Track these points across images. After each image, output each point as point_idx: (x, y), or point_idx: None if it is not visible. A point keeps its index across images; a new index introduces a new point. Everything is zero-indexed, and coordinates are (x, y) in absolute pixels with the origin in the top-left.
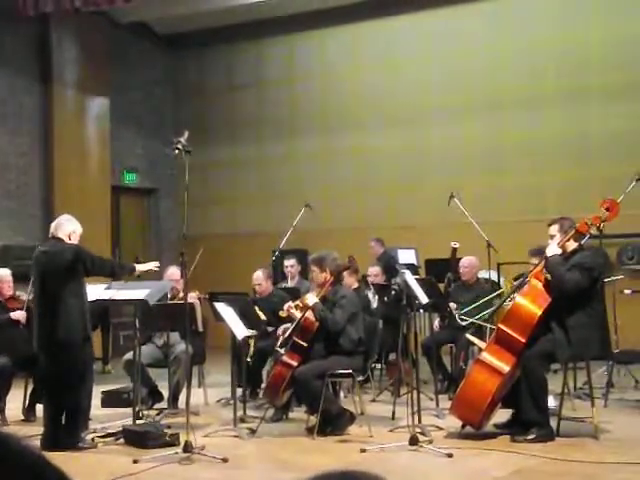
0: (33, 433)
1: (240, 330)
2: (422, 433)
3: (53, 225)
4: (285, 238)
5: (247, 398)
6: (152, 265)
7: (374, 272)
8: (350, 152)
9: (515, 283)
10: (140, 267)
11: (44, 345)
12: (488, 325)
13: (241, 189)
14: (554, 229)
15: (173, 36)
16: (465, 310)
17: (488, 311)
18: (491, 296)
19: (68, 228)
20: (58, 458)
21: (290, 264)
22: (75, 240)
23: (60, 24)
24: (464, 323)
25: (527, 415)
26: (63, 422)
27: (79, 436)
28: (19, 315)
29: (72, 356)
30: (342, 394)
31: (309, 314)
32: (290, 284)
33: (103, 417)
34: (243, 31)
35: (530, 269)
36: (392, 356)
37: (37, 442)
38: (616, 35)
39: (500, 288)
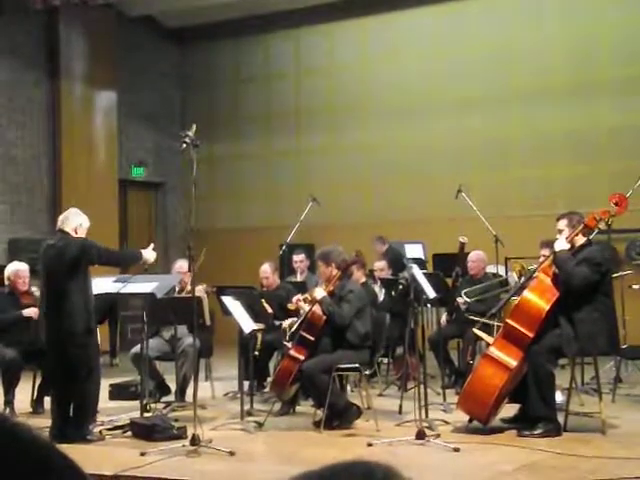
0: (41, 425)
1: (247, 324)
2: (429, 427)
3: (60, 219)
4: (292, 232)
5: (254, 391)
6: (151, 249)
7: (380, 266)
8: (357, 146)
9: (521, 281)
10: (145, 253)
11: (51, 339)
12: (495, 323)
13: (248, 183)
14: (562, 224)
15: (181, 30)
16: (469, 289)
17: (490, 294)
18: (493, 282)
19: (75, 221)
20: (65, 450)
21: (299, 259)
22: (82, 233)
23: (68, 18)
24: (468, 300)
25: (534, 410)
26: (71, 415)
27: (86, 429)
28: (31, 312)
29: (78, 350)
30: (349, 388)
31: (316, 308)
32: (299, 278)
33: (111, 410)
34: (250, 25)
35: (540, 263)
36: (399, 350)
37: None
38: (626, 28)
39: (507, 283)
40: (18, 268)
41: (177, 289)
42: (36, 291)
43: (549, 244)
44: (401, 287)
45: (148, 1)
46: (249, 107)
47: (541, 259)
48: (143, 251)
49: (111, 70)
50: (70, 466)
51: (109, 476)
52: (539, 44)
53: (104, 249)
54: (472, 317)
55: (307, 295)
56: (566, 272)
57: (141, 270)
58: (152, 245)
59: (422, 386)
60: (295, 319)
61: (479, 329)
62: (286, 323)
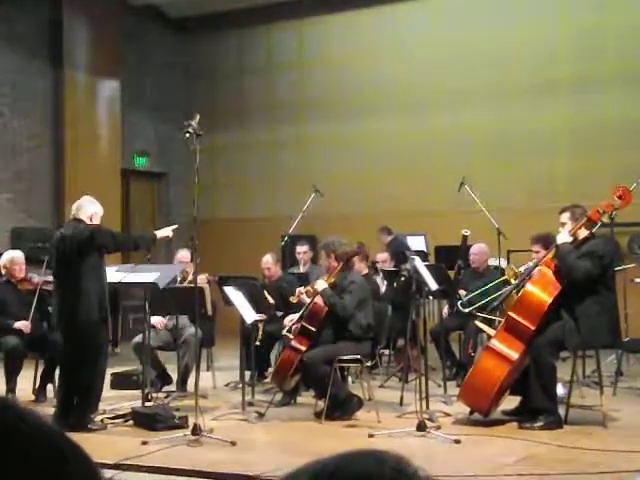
0: (43, 413)
1: (249, 314)
2: (430, 419)
3: (74, 206)
4: (294, 224)
5: (255, 381)
6: (170, 230)
7: (382, 258)
8: (360, 137)
9: (522, 269)
10: (160, 233)
11: (63, 326)
12: (495, 318)
13: (250, 173)
14: (565, 217)
15: (184, 19)
16: (468, 297)
17: (491, 298)
18: (494, 282)
19: (90, 210)
20: None
21: (303, 250)
22: (97, 221)
23: (72, 7)
24: (466, 310)
25: (535, 402)
26: (74, 403)
27: (89, 417)
28: (21, 325)
29: (89, 337)
30: (350, 379)
31: (318, 299)
32: (302, 270)
33: (112, 399)
34: (254, 15)
35: (533, 258)
36: (401, 342)
37: None
38: (631, 21)
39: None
40: (13, 256)
41: (179, 279)
42: (34, 277)
43: (539, 239)
44: (403, 279)
45: None
46: (252, 97)
47: (533, 255)
48: (157, 232)
49: (114, 59)
50: (82, 454)
51: (110, 465)
52: (544, 36)
53: (119, 234)
54: (473, 312)
55: (309, 288)
56: (568, 265)
57: (144, 260)
58: (173, 226)
59: (423, 378)
60: (295, 316)
61: (481, 321)
62: (287, 320)
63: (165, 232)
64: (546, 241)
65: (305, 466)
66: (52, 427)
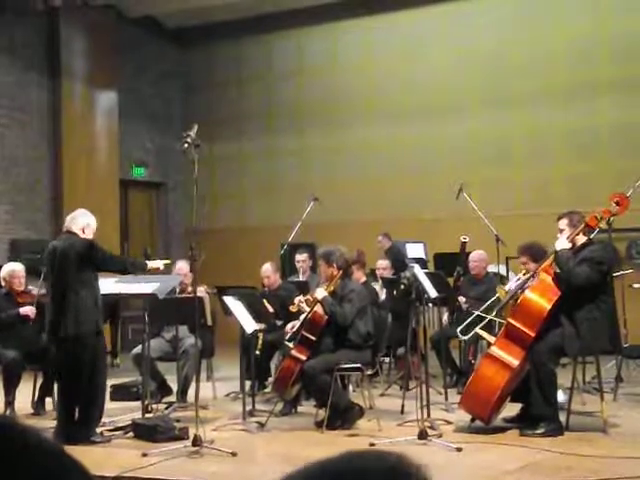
0: (42, 427)
1: (249, 324)
2: (431, 427)
3: (68, 219)
4: (294, 232)
5: (256, 391)
6: (162, 263)
7: (382, 266)
8: (358, 145)
9: (522, 278)
10: (151, 264)
11: (56, 339)
12: (496, 319)
13: (249, 182)
14: (563, 223)
15: (182, 30)
16: (465, 323)
17: (487, 319)
18: (487, 303)
19: (82, 221)
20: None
21: (302, 259)
22: (89, 234)
23: (69, 18)
24: (465, 337)
25: (536, 409)
26: (76, 416)
27: (92, 430)
28: (28, 310)
29: (84, 350)
30: (351, 388)
31: (318, 308)
32: (302, 278)
33: (112, 411)
34: (252, 25)
35: (521, 269)
36: (401, 350)
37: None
38: (628, 27)
39: (507, 282)
40: (13, 268)
41: (177, 290)
42: (33, 289)
43: (526, 250)
44: (403, 287)
45: (149, 1)
46: (250, 106)
47: (521, 266)
48: (149, 263)
49: (112, 70)
50: (81, 469)
51: (111, 477)
52: (540, 43)
53: (109, 254)
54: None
55: (308, 297)
56: (567, 271)
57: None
58: (166, 261)
59: (424, 386)
60: (297, 322)
61: (481, 328)
62: (288, 327)
63: (157, 264)
64: (532, 251)
65: (306, 466)
66: (51, 442)
